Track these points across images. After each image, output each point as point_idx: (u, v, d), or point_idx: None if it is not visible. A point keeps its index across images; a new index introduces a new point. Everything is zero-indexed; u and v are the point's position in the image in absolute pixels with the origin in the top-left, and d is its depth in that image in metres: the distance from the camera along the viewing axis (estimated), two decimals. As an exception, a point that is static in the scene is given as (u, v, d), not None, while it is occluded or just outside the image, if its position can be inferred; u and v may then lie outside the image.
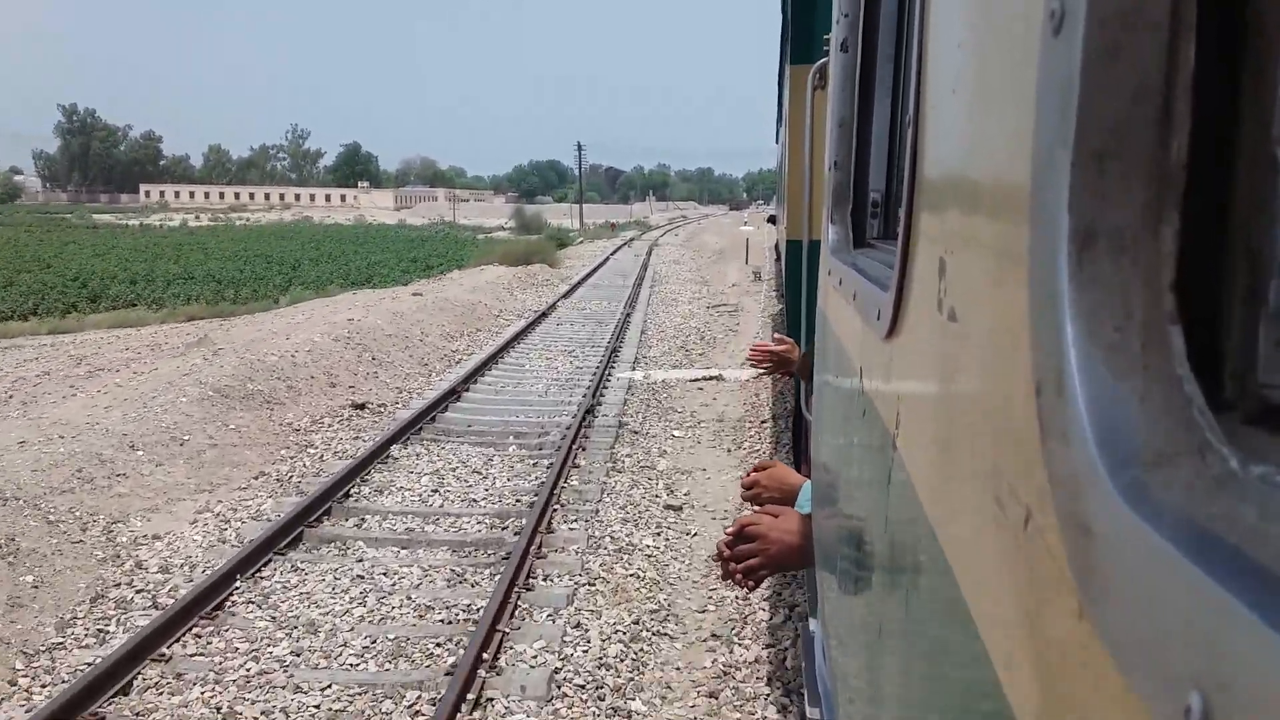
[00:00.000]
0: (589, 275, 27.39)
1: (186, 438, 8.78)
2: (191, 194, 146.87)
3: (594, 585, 6.03)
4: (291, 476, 8.26)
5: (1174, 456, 0.37)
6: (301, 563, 6.31)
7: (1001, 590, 0.55)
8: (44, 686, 4.86)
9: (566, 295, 22.08)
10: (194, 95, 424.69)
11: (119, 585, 6.04)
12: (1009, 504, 0.52)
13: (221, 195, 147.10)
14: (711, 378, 12.77)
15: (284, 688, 4.78)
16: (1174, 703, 0.31)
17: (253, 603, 5.70)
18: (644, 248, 41.45)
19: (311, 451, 9.03)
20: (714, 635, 5.50)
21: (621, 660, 5.14)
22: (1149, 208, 0.40)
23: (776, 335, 3.42)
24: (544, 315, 18.29)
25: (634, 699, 4.78)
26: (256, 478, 8.28)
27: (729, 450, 9.33)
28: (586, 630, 5.44)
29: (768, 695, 4.79)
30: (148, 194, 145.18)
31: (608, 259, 34.42)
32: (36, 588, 5.83)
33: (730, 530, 1.93)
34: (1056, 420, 0.43)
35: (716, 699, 4.78)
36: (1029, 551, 0.48)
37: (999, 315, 0.57)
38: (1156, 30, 0.39)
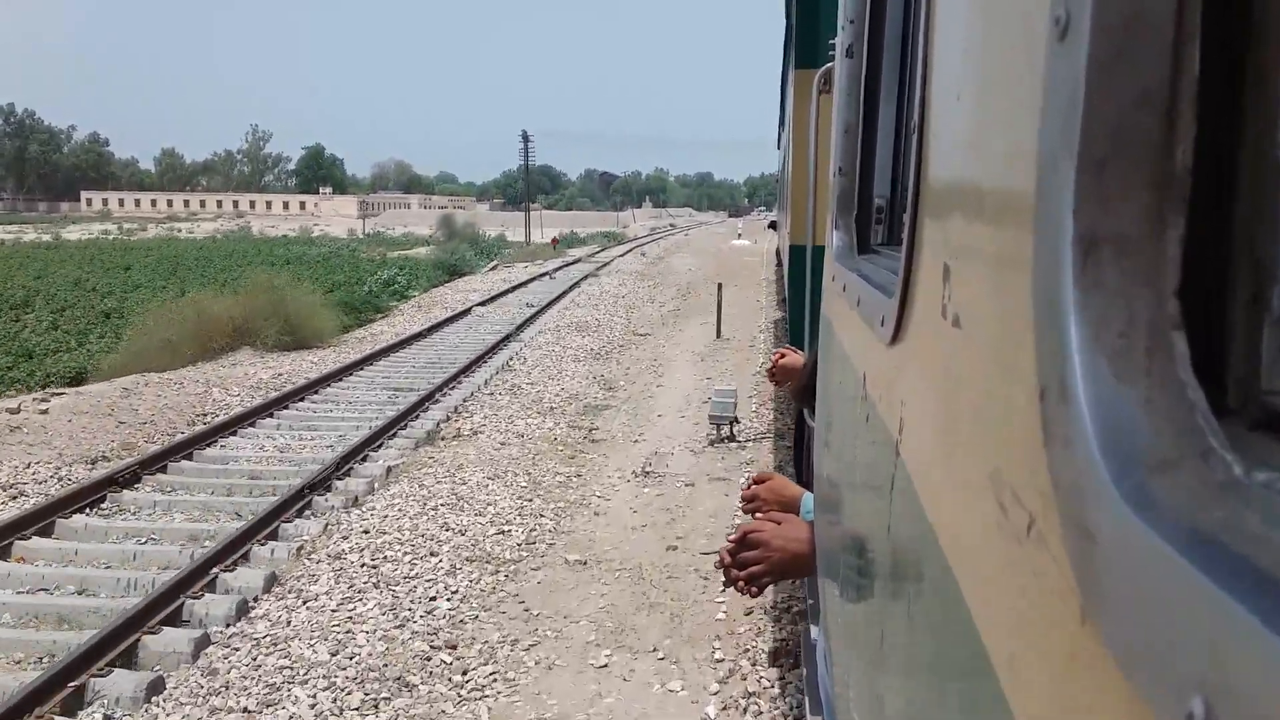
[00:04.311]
0: (223, 430, 9.63)
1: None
2: (138, 202, 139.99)
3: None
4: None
5: (1177, 462, 0.37)
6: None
7: (1005, 596, 0.55)
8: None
9: None
10: (151, 94, 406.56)
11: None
12: (1012, 509, 0.52)
13: (170, 203, 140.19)
14: None
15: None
16: (1177, 708, 0.31)
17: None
18: (574, 277, 28.61)
19: None
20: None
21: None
22: (1153, 213, 0.40)
23: (780, 350, 3.33)
24: None
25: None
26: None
27: None
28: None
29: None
30: (89, 202, 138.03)
31: (460, 316, 19.37)
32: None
33: (733, 537, 1.92)
34: (1060, 426, 0.43)
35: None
36: (1032, 557, 0.48)
37: (1003, 321, 0.57)
38: (1161, 36, 0.39)
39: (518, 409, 10.97)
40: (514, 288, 26.17)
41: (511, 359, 14.42)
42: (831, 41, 1.99)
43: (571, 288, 25.81)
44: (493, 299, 23.03)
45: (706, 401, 10.09)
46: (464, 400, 11.46)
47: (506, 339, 16.34)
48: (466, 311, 20.35)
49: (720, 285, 16.97)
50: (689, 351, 14.74)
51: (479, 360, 14.02)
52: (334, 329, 17.97)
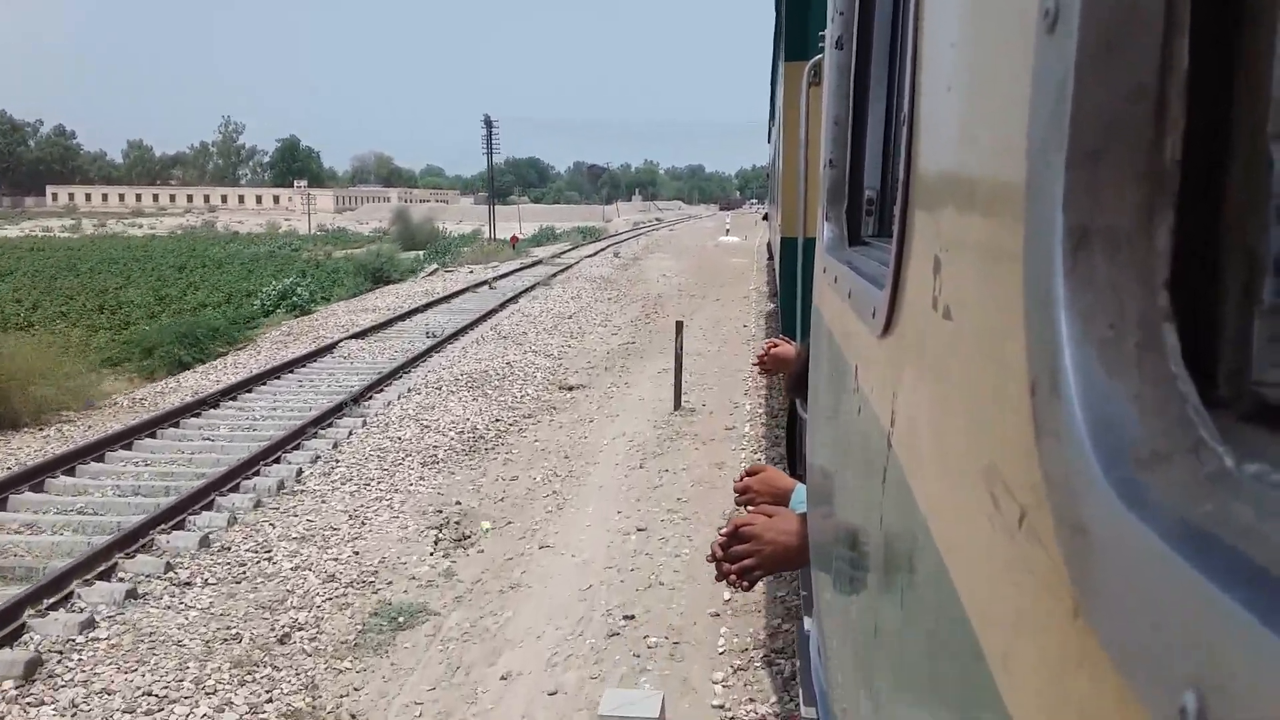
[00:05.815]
0: None
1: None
2: (105, 196, 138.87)
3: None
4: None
5: (1168, 455, 0.37)
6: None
7: (996, 588, 0.55)
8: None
9: None
10: (121, 86, 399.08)
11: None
12: (1004, 502, 0.52)
13: (139, 197, 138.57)
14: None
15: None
16: (1169, 701, 0.31)
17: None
18: (520, 286, 23.12)
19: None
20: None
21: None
22: (1143, 206, 0.40)
23: (772, 339, 3.32)
24: None
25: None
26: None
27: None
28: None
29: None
30: (54, 196, 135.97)
31: (317, 356, 13.74)
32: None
33: (725, 531, 1.92)
34: (1051, 418, 0.43)
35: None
36: (1024, 550, 0.48)
37: (994, 313, 0.57)
38: (1150, 29, 0.39)
39: (188, 658, 4.94)
40: (432, 303, 20.16)
41: (313, 463, 8.26)
42: (821, 34, 1.99)
43: (506, 303, 19.86)
44: (389, 323, 17.17)
45: (625, 623, 4.99)
46: (87, 625, 5.26)
47: (339, 410, 10.01)
48: (332, 346, 14.37)
49: (680, 324, 10.31)
50: (627, 437, 8.90)
51: (250, 467, 7.88)
52: (100, 386, 12.26)
